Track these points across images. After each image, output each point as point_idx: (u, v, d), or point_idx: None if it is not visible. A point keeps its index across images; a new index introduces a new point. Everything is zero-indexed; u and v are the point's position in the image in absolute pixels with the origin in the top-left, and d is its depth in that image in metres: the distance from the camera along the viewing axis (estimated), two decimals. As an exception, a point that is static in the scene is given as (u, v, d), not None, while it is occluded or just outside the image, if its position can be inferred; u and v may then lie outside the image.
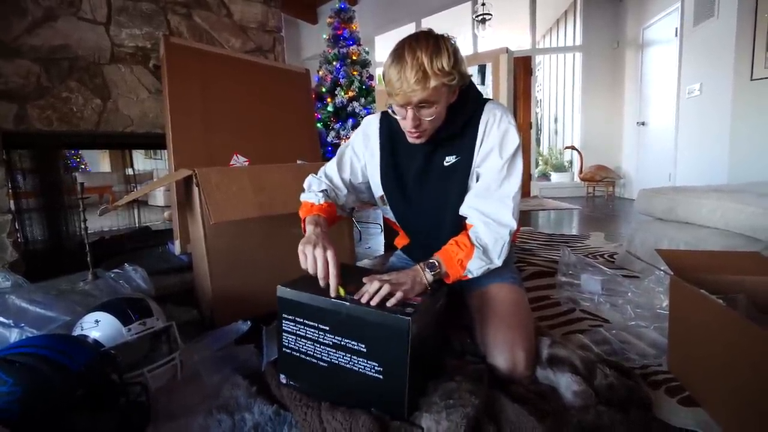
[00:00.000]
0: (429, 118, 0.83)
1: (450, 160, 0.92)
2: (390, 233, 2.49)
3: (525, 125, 5.28)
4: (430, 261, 0.85)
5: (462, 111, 0.89)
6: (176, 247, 1.70)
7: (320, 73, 4.22)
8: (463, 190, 0.93)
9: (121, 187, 2.95)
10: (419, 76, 0.76)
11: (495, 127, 0.90)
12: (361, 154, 1.05)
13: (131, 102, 1.99)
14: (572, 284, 1.51)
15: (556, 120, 6.98)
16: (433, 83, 0.77)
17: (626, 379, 0.85)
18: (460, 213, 0.93)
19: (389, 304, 0.75)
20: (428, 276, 0.83)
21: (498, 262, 0.87)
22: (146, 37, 2.03)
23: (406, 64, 0.77)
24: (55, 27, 1.79)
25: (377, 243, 2.67)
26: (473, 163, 0.91)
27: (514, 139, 0.90)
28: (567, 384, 0.82)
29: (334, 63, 4.12)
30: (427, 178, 0.96)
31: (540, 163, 6.55)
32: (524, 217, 3.67)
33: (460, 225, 0.93)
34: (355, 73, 4.07)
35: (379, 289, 0.77)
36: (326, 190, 1.01)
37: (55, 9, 1.79)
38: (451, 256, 0.86)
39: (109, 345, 0.88)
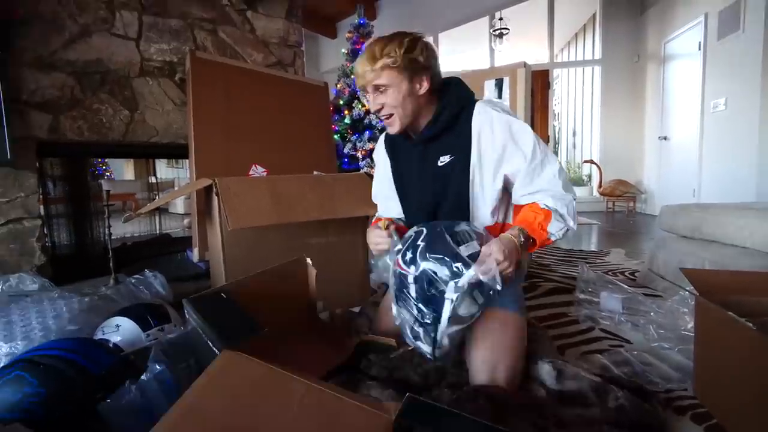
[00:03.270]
0: (389, 101, 0.91)
1: (444, 159, 0.95)
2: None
3: (542, 138, 5.23)
4: (517, 229, 0.88)
5: (445, 106, 0.95)
6: (195, 255, 1.73)
7: (338, 86, 4.29)
8: (463, 190, 0.94)
9: (143, 194, 3.05)
10: (369, 59, 0.90)
11: (495, 123, 0.92)
12: (382, 172, 1.14)
13: (157, 113, 2.07)
14: (591, 302, 1.47)
15: (574, 133, 6.89)
16: (378, 64, 0.89)
17: (642, 402, 0.82)
18: (515, 203, 0.98)
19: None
20: (519, 241, 0.86)
21: (573, 225, 0.92)
22: (173, 51, 2.12)
23: (363, 54, 0.92)
24: (89, 42, 1.89)
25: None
26: (471, 163, 0.93)
27: (524, 129, 0.93)
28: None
29: (353, 76, 4.19)
30: (424, 179, 1.00)
31: (557, 176, 6.45)
32: (541, 231, 3.60)
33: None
34: (372, 86, 4.12)
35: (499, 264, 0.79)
36: (387, 212, 1.15)
37: (90, 25, 1.89)
38: (530, 221, 0.90)
39: (129, 349, 0.90)
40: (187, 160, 2.33)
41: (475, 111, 0.93)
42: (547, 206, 0.91)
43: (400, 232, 0.97)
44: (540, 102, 5.17)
